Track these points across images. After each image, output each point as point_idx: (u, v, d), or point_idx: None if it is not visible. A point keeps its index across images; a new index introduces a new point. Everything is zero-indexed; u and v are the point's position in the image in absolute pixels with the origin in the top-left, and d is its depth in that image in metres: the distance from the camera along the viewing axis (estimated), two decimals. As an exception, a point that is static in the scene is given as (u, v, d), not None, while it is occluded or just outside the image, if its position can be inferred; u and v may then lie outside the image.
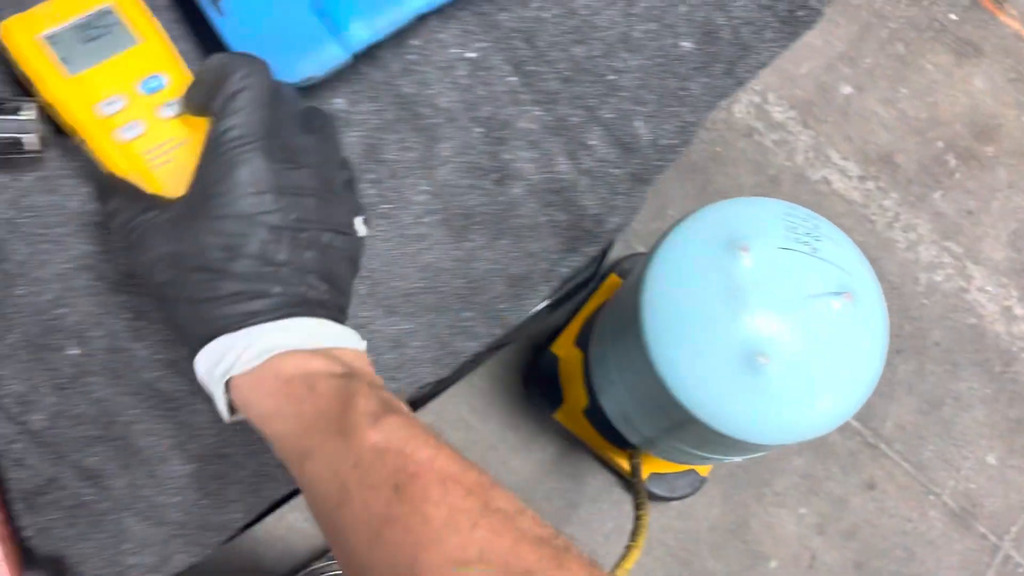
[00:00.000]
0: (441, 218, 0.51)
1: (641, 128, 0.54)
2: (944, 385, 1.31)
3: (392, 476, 0.33)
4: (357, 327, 0.45)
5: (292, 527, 1.06)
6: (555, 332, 1.17)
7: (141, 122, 0.43)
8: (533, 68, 0.52)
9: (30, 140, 0.42)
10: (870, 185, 1.43)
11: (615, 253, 1.26)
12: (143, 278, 0.39)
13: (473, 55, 0.51)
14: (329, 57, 0.44)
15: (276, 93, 0.39)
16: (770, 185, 1.38)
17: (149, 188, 0.41)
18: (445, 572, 0.32)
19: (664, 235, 0.86)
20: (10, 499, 0.44)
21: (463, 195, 0.51)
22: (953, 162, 1.46)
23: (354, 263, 0.41)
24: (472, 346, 0.53)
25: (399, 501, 0.33)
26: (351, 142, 0.49)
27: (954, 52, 1.52)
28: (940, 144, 1.47)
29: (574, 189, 0.52)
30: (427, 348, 0.51)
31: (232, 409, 0.39)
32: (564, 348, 1.15)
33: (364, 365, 0.39)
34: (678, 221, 0.87)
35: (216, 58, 0.39)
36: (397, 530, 0.33)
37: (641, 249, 1.27)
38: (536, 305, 0.54)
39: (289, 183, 0.37)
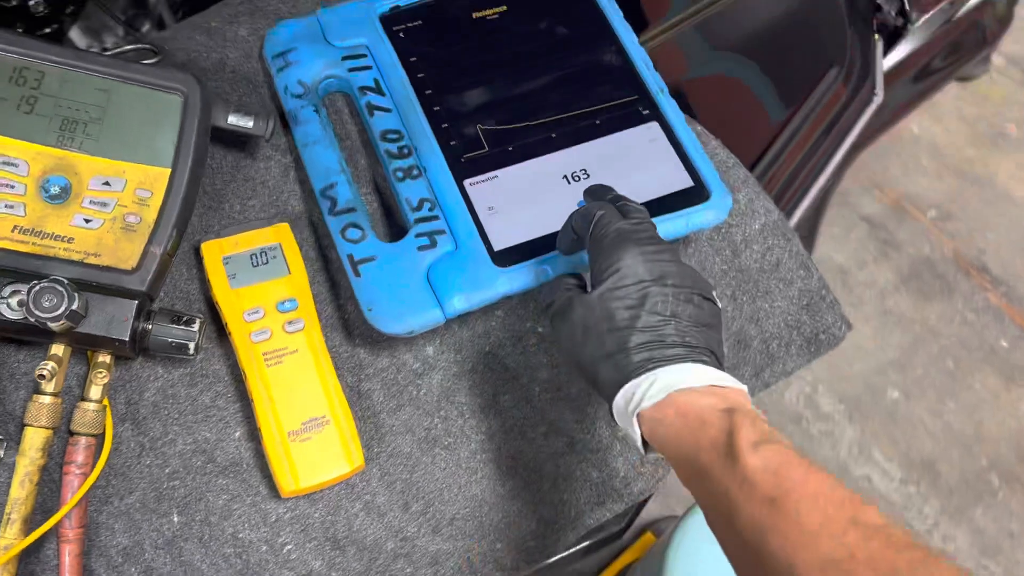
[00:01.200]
0: (492, 457, 0.60)
1: (673, 410, 0.63)
2: None
3: (770, 492, 0.40)
4: (402, 539, 0.53)
5: None
6: (586, 582, 1.20)
7: (268, 330, 0.56)
8: (589, 348, 0.63)
9: (193, 346, 0.54)
10: (911, 489, 1.46)
11: (654, 513, 1.31)
12: (568, 352, 0.51)
13: (542, 330, 0.63)
14: (431, 319, 0.56)
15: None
16: (811, 473, 1.42)
17: (257, 378, 0.55)
18: (818, 570, 0.37)
19: (687, 513, 0.93)
20: (90, 636, 0.52)
21: (515, 442, 0.60)
22: (996, 481, 1.49)
23: (720, 322, 0.50)
24: (499, 576, 0.60)
25: (777, 513, 0.39)
26: (433, 385, 0.60)
27: (1004, 376, 1.60)
28: (984, 462, 1.50)
29: (609, 452, 0.61)
30: (460, 571, 0.59)
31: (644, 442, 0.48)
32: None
33: (745, 402, 0.47)
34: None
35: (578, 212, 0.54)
36: (776, 536, 0.39)
37: (678, 512, 1.32)
38: (562, 550, 0.61)
39: (659, 259, 0.49)
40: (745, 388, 0.48)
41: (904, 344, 1.61)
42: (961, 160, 1.87)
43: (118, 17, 0.89)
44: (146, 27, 0.85)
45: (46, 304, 0.49)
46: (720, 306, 0.51)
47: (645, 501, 0.90)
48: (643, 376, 0.47)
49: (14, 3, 0.67)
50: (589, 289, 0.50)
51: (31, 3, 0.75)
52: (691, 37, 0.79)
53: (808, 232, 0.90)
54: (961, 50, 1.17)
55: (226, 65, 0.66)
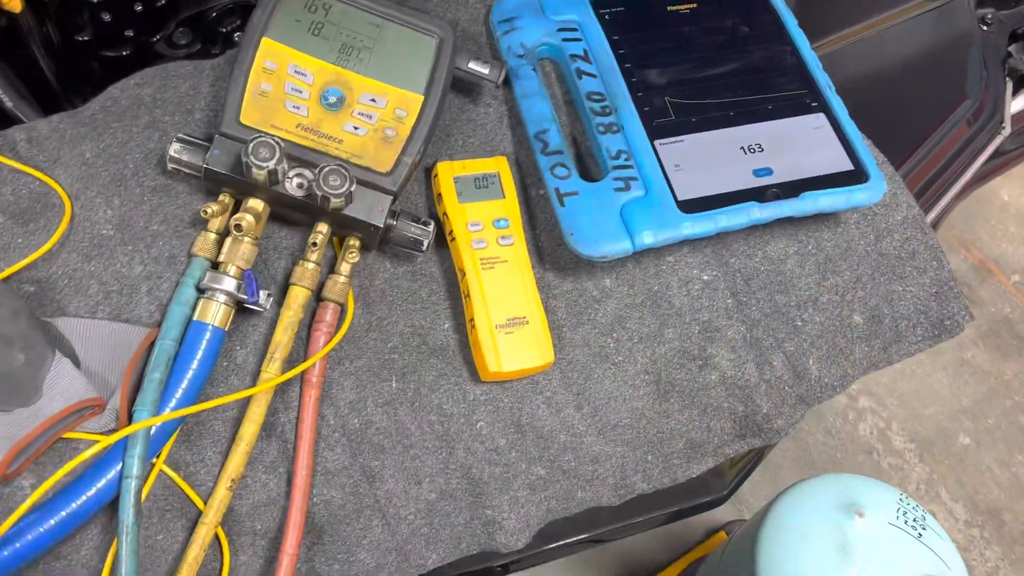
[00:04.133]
0: (654, 379, 0.69)
1: (812, 366, 0.72)
2: None
3: None
4: (572, 435, 0.62)
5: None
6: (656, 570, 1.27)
7: (485, 241, 0.65)
8: (745, 299, 0.72)
9: (427, 243, 0.64)
10: (975, 532, 1.50)
11: (727, 515, 1.37)
12: None
13: (706, 277, 0.72)
14: (621, 248, 0.66)
15: None
16: (880, 500, 1.48)
17: (474, 277, 0.64)
18: None
19: (783, 492, 0.99)
20: (316, 472, 0.61)
21: (674, 369, 0.69)
22: (1060, 536, 1.52)
23: None
24: (643, 486, 0.68)
25: None
26: (608, 311, 0.69)
27: (1074, 438, 1.63)
28: (1050, 516, 1.54)
29: (755, 391, 0.70)
30: (613, 474, 0.67)
31: None
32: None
33: None
34: (798, 482, 1.01)
35: None
36: None
37: (747, 516, 1.38)
38: (702, 469, 0.70)
39: None
40: None
41: (978, 395, 1.66)
42: (1048, 231, 1.93)
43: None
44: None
45: (333, 182, 0.59)
46: None
47: (748, 474, 0.97)
48: None
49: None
50: None
51: None
52: (843, 54, 0.89)
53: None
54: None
55: (458, 25, 0.77)
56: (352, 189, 0.60)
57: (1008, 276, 1.85)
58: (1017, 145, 1.24)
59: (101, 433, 0.56)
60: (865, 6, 0.94)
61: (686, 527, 1.41)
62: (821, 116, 0.74)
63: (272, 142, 0.59)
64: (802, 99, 0.75)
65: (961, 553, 1.49)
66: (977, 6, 0.99)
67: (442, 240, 0.69)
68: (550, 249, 0.71)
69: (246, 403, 0.60)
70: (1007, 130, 0.92)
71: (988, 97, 0.94)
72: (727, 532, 1.33)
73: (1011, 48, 1.01)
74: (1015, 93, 1.00)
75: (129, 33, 0.89)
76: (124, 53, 0.90)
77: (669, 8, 0.79)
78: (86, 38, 0.85)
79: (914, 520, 0.95)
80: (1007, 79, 0.98)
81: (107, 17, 0.83)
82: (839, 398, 1.62)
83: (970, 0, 0.97)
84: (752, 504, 1.42)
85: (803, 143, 0.73)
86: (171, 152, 0.62)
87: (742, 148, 0.72)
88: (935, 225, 1.01)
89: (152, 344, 0.59)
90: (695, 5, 0.79)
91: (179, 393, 0.58)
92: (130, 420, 0.56)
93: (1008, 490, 1.56)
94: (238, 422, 0.60)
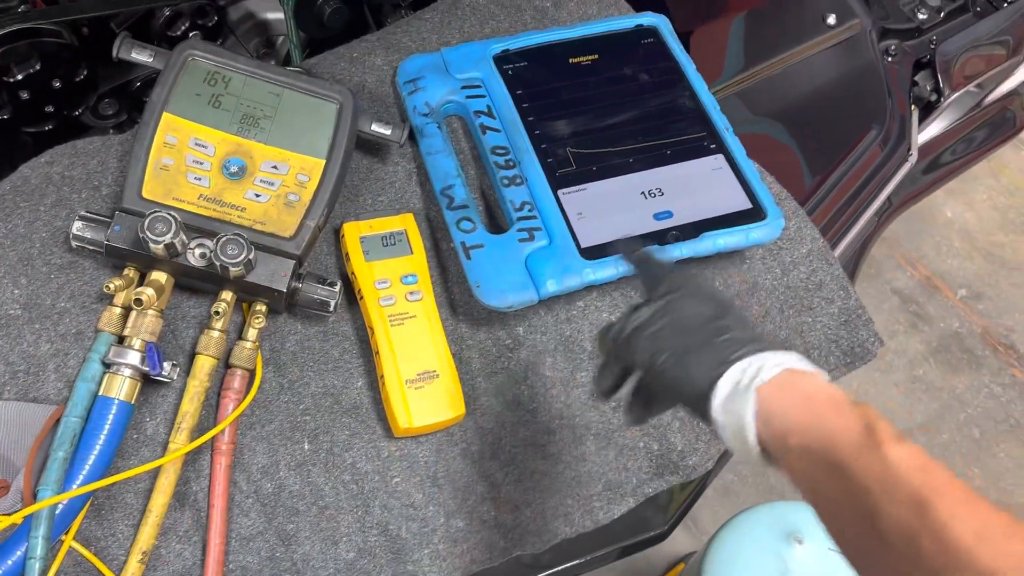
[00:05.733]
0: (569, 423, 0.70)
1: (725, 400, 0.73)
2: None
3: (918, 491, 0.36)
4: (490, 485, 0.63)
5: None
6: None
7: (393, 297, 0.67)
8: (655, 339, 0.73)
9: (334, 304, 0.65)
10: (935, 548, 1.51)
11: (687, 546, 1.38)
12: (646, 358, 0.49)
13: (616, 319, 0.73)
14: (527, 298, 0.67)
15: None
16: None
17: (383, 334, 0.65)
18: None
19: (723, 525, 1.01)
20: (230, 538, 0.62)
21: (587, 412, 0.70)
22: None
23: None
24: (566, 531, 0.69)
25: (928, 516, 0.35)
26: (521, 358, 0.71)
27: (1028, 448, 1.66)
28: (1007, 527, 1.55)
29: (669, 428, 0.71)
30: (534, 520, 0.68)
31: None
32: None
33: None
34: (738, 513, 1.02)
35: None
36: (926, 544, 0.35)
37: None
38: (623, 509, 0.71)
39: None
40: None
41: (931, 411, 1.68)
42: (991, 244, 1.97)
43: (251, 52, 1.05)
44: (271, 63, 1.00)
45: (230, 252, 0.61)
46: None
47: (688, 508, 0.98)
48: (749, 359, 0.45)
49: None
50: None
51: (188, 36, 0.91)
52: (751, 92, 0.92)
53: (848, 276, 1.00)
54: (992, 132, 1.29)
55: (365, 87, 0.79)
56: (251, 257, 0.61)
57: (955, 291, 1.88)
58: (955, 157, 1.28)
59: (4, 514, 0.57)
60: (772, 44, 0.97)
61: (647, 562, 1.42)
62: (720, 157, 0.76)
63: (168, 216, 0.60)
64: (700, 142, 0.77)
65: (923, 570, 1.50)
66: (880, 39, 1.03)
67: (353, 299, 0.70)
68: (463, 301, 0.72)
69: (156, 474, 0.61)
70: (914, 157, 0.95)
71: (895, 125, 0.97)
72: (686, 563, 1.33)
73: (916, 77, 1.04)
74: (924, 120, 1.03)
75: (50, 109, 0.90)
76: (47, 128, 0.91)
77: (571, 60, 0.81)
78: (5, 116, 0.86)
79: (853, 544, 0.96)
80: (913, 107, 1.01)
81: (25, 95, 0.85)
82: (795, 422, 1.63)
83: (872, 34, 1.00)
84: (706, 525, 1.43)
85: (702, 185, 0.75)
86: (74, 230, 0.63)
87: (643, 193, 0.74)
88: (865, 247, 1.03)
89: (58, 422, 0.59)
90: (596, 56, 0.82)
91: (86, 469, 0.58)
92: (34, 499, 0.56)
93: (966, 504, 1.57)
94: (150, 493, 0.61)
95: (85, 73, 0.90)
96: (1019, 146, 2.16)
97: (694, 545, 1.40)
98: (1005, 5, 1.10)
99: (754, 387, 0.43)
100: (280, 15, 1.09)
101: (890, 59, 1.02)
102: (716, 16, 1.01)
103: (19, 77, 0.80)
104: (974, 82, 1.07)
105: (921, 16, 1.05)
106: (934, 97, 1.03)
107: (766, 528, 0.96)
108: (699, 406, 0.47)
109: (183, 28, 0.94)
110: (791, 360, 0.45)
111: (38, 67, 0.81)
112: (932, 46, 1.05)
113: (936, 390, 1.71)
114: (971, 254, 1.95)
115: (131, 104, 0.99)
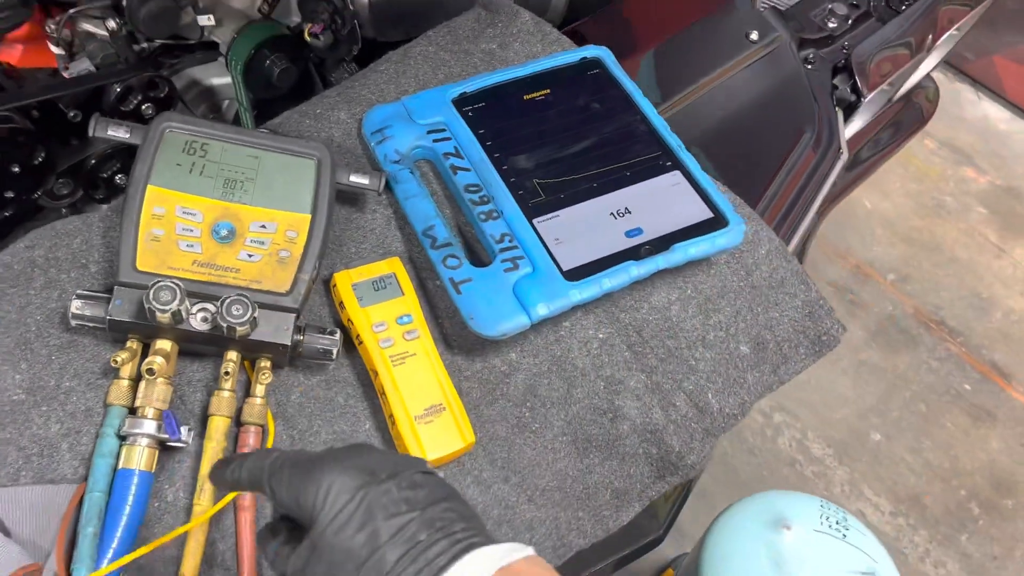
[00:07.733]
0: (571, 439, 0.73)
1: (712, 399, 0.77)
2: None
3: None
4: (505, 507, 0.66)
5: None
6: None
7: (392, 339, 0.69)
8: (640, 349, 0.77)
9: (335, 351, 0.67)
10: (901, 521, 1.59)
11: (670, 552, 1.42)
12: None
13: (602, 335, 0.77)
14: (519, 323, 0.71)
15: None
16: (810, 508, 1.55)
17: (386, 375, 0.67)
18: None
19: (714, 521, 1.05)
20: None
21: (588, 426, 0.74)
22: (976, 510, 1.62)
23: (453, 489, 0.46)
24: (580, 543, 0.72)
25: None
26: (519, 382, 0.74)
27: (970, 416, 1.76)
28: (963, 492, 1.64)
29: (665, 432, 0.75)
30: (549, 536, 0.71)
31: None
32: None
33: (540, 568, 0.43)
34: (726, 509, 1.06)
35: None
36: None
37: (690, 549, 1.43)
38: (631, 514, 0.74)
39: (354, 458, 0.46)
40: (532, 550, 0.43)
41: (880, 392, 1.77)
42: (910, 229, 2.09)
43: (199, 118, 1.06)
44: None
45: (236, 312, 0.62)
46: (439, 475, 0.47)
47: (679, 510, 1.01)
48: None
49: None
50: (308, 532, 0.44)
51: (141, 108, 0.92)
52: (693, 108, 0.98)
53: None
54: (905, 124, 1.39)
55: (333, 141, 0.82)
56: (255, 314, 0.63)
57: (884, 276, 1.99)
58: (872, 153, 1.37)
59: (42, 598, 0.57)
60: (704, 62, 1.04)
61: (633, 573, 1.45)
62: (677, 174, 0.82)
63: (172, 284, 0.61)
64: (657, 161, 0.82)
65: (892, 543, 1.57)
66: (799, 48, 1.11)
67: (351, 345, 0.72)
68: (455, 334, 0.75)
69: (184, 540, 0.61)
70: (845, 154, 1.02)
71: (824, 127, 1.04)
72: (673, 569, 1.37)
73: (835, 81, 1.12)
74: (846, 119, 1.11)
75: (10, 195, 0.90)
76: (7, 214, 0.91)
77: (525, 97, 0.85)
78: (-34, 206, 0.86)
79: (836, 523, 1.01)
80: (836, 108, 1.09)
81: (-15, 183, 0.85)
82: (755, 417, 1.70)
83: (792, 44, 1.08)
84: (694, 536, 1.46)
85: (665, 200, 0.79)
86: (73, 309, 0.63)
87: (611, 214, 0.78)
88: (806, 244, 1.10)
89: (82, 499, 0.60)
90: (548, 91, 0.86)
91: (115, 543, 0.58)
92: (70, 579, 0.57)
93: (922, 475, 1.66)
94: (179, 560, 0.61)
95: (43, 155, 0.91)
96: (922, 135, 2.31)
97: (678, 549, 1.44)
98: (903, 9, 1.20)
99: None
100: (225, 79, 1.11)
101: (810, 67, 1.10)
102: (645, 46, 1.07)
103: (-21, 166, 0.81)
104: (887, 80, 1.16)
105: (832, 24, 1.14)
106: (854, 98, 1.11)
107: (754, 519, 1.01)
108: None
109: (135, 101, 0.95)
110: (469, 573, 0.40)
111: (-3, 154, 0.82)
112: (845, 51, 1.13)
113: (881, 371, 1.80)
114: (893, 240, 2.06)
115: (86, 182, 0.99)
